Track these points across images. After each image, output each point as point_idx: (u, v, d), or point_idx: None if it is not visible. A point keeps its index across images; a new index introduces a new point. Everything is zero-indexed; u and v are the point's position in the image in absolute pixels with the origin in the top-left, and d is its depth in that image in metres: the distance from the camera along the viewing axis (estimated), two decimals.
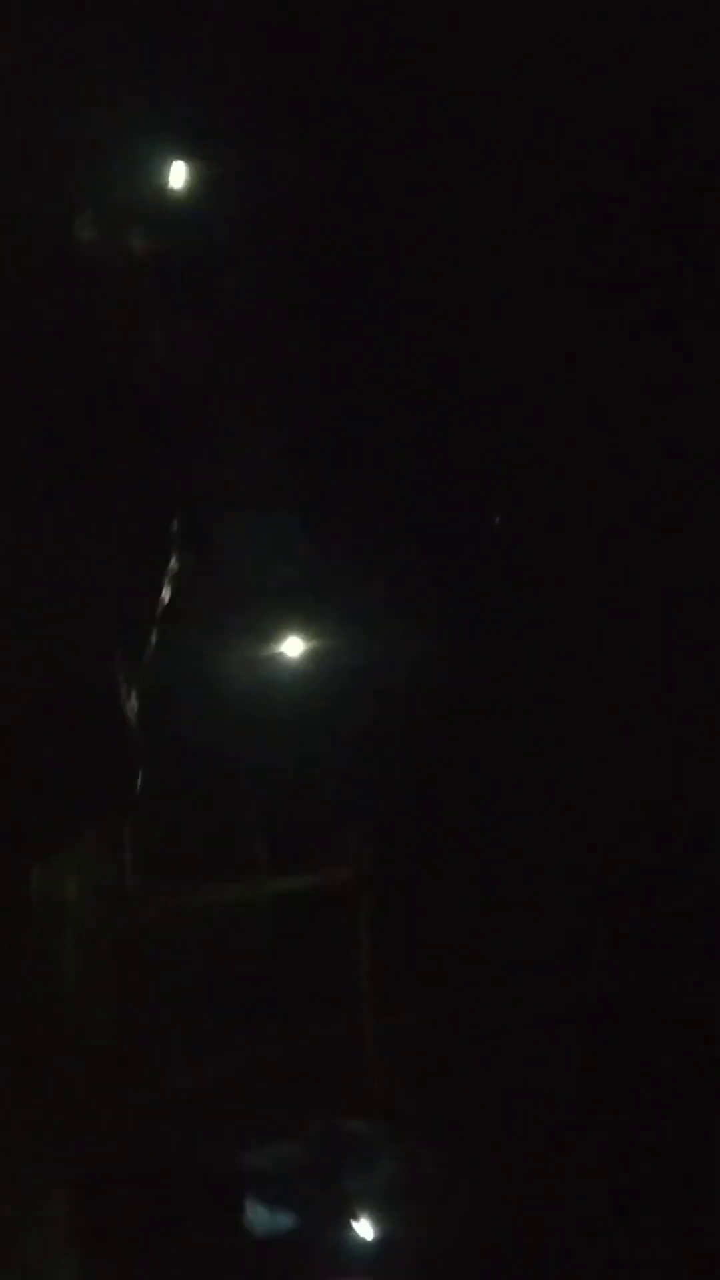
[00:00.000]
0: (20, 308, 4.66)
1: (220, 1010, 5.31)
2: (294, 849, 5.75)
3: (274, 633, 5.50)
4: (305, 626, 5.55)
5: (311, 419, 5.67)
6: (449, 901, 5.68)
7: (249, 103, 5.29)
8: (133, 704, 4.83)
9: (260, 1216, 4.81)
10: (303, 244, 5.53)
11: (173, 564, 4.97)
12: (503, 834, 5.68)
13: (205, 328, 5.14)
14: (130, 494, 4.82)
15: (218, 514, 5.31)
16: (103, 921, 5.06)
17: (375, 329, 5.74)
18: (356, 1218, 4.88)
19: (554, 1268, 4.77)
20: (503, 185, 5.72)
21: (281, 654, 5.50)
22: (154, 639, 4.88)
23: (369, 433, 5.80)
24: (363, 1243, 4.86)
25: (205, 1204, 4.74)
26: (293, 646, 5.51)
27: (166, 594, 4.91)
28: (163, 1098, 4.98)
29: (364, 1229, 4.88)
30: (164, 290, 4.99)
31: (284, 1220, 4.82)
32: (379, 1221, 4.88)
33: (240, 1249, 4.73)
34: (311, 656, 5.48)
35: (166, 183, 5.00)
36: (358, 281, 5.66)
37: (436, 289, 5.76)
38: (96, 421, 4.72)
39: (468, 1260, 4.74)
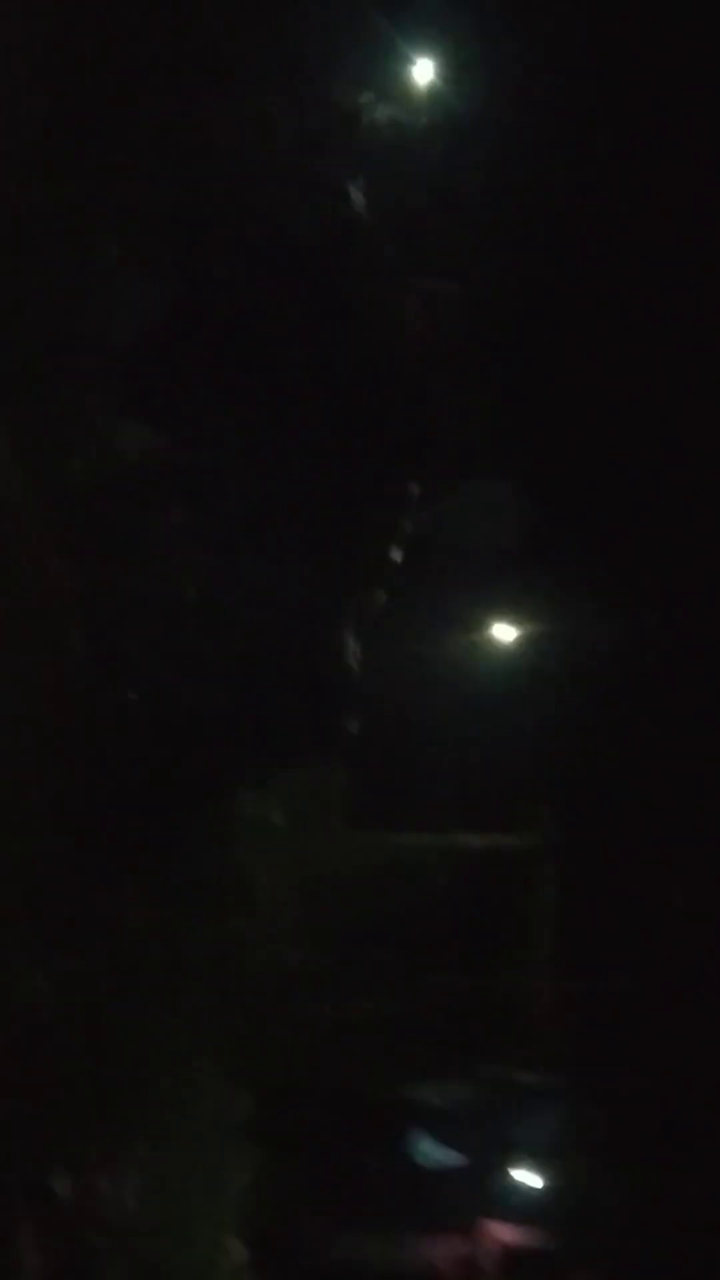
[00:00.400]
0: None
1: (405, 950, 5.50)
2: (487, 811, 5.95)
3: (487, 610, 5.68)
4: (516, 605, 5.74)
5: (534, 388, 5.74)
6: (629, 876, 5.81)
7: None
8: (356, 655, 5.01)
9: (427, 1150, 5.00)
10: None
11: (406, 526, 5.13)
12: (686, 818, 5.80)
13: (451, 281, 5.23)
14: (369, 448, 4.97)
15: (450, 481, 5.46)
16: (305, 853, 5.26)
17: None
18: (519, 1164, 5.05)
19: (705, 1235, 4.91)
20: None
21: (492, 630, 5.70)
22: (382, 598, 5.06)
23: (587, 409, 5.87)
24: (523, 1189, 5.03)
25: (376, 1130, 4.94)
26: (503, 629, 5.72)
27: (397, 555, 5.08)
28: (344, 1025, 5.18)
29: (525, 1176, 5.05)
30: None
31: (449, 1157, 5.00)
32: (539, 1170, 5.04)
33: (404, 1178, 4.92)
34: (521, 636, 5.71)
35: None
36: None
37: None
38: (344, 373, 4.88)
39: (622, 1215, 4.90)
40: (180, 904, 4.89)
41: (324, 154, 4.94)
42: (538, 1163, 5.07)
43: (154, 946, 4.77)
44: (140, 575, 4.85)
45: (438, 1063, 5.29)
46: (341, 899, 5.37)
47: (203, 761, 4.91)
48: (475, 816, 5.91)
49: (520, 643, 5.74)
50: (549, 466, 5.90)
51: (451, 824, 5.89)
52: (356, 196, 4.99)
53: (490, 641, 5.74)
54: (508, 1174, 5.05)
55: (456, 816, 5.90)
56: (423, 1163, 5.01)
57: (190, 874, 4.92)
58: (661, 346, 5.90)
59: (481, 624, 5.69)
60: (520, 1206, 4.98)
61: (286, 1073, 4.95)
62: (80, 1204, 4.56)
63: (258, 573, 4.93)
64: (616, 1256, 4.90)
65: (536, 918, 5.81)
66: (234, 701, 4.90)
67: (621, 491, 5.99)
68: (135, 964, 4.74)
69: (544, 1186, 5.03)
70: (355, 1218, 4.88)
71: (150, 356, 4.81)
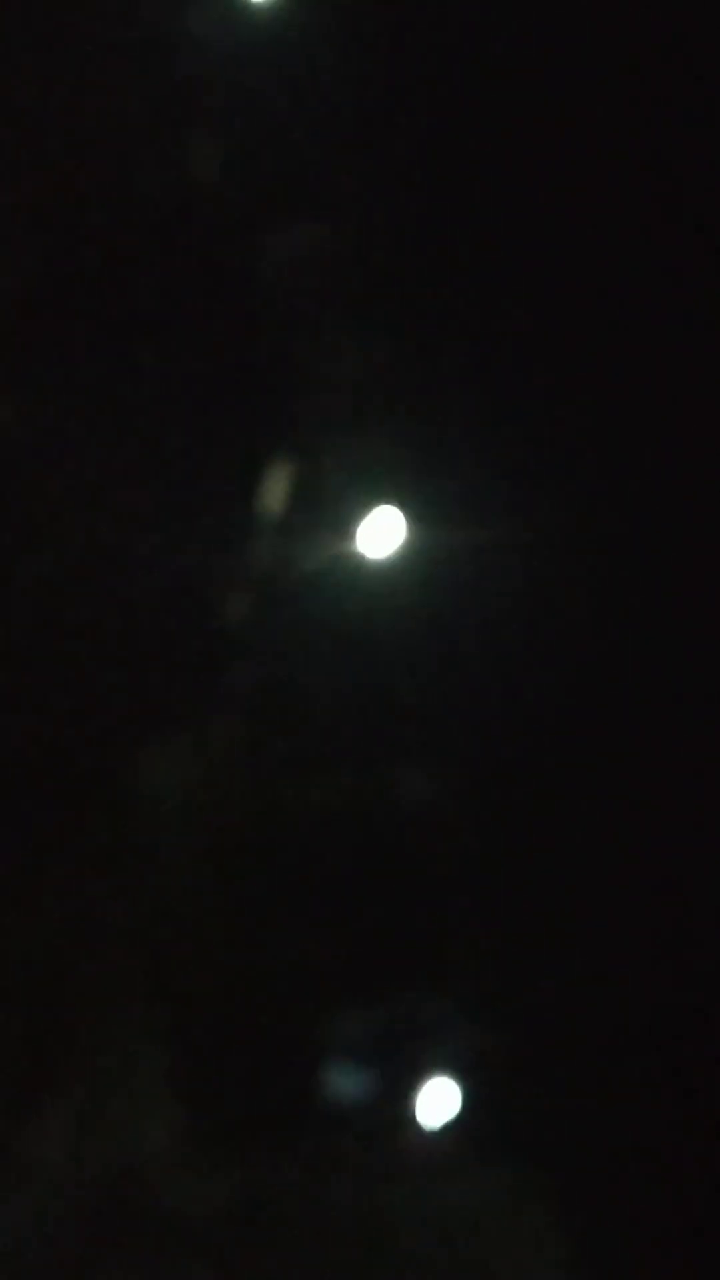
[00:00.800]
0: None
1: (319, 901, 5.57)
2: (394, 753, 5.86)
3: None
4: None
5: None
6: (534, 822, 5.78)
7: None
8: (235, 606, 5.12)
9: (338, 1080, 5.11)
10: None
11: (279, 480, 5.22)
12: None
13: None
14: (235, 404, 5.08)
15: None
16: (204, 815, 5.36)
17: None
18: (428, 1091, 5.16)
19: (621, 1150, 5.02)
20: None
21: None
22: (258, 541, 5.15)
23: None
24: (432, 1115, 5.14)
25: (287, 1064, 5.05)
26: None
27: (269, 496, 5.17)
28: (254, 967, 5.28)
29: (433, 1102, 5.15)
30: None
31: (358, 1085, 5.11)
32: (448, 1096, 5.15)
33: (314, 1108, 5.03)
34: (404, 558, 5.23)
35: None
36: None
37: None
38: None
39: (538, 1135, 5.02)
40: (86, 869, 5.02)
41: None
42: (453, 1084, 5.18)
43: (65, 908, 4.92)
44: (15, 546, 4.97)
45: (352, 996, 5.39)
46: (248, 851, 5.46)
47: (97, 729, 5.03)
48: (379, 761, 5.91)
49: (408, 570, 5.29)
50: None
51: (342, 773, 5.87)
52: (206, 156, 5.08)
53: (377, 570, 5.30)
54: (415, 1100, 5.16)
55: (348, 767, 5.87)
56: (330, 1092, 5.13)
57: (93, 839, 5.05)
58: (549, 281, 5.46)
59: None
60: (428, 1131, 5.10)
61: (198, 1015, 5.07)
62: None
63: (133, 537, 5.05)
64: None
65: (448, 857, 5.86)
66: (121, 668, 5.01)
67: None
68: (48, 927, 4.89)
69: (460, 1108, 5.15)
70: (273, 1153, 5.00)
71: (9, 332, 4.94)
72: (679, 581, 5.20)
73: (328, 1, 5.00)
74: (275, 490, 5.03)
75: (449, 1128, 5.09)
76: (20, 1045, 4.82)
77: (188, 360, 4.99)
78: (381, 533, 5.12)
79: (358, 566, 5.19)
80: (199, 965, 5.15)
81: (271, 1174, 4.90)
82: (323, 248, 4.92)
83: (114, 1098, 4.83)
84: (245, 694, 5.20)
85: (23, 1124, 4.75)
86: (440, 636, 5.18)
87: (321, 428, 5.01)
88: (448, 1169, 5.07)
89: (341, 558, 5.17)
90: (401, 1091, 5.11)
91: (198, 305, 5.03)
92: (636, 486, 5.22)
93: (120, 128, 4.94)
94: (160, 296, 4.99)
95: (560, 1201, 5.04)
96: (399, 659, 5.23)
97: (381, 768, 5.78)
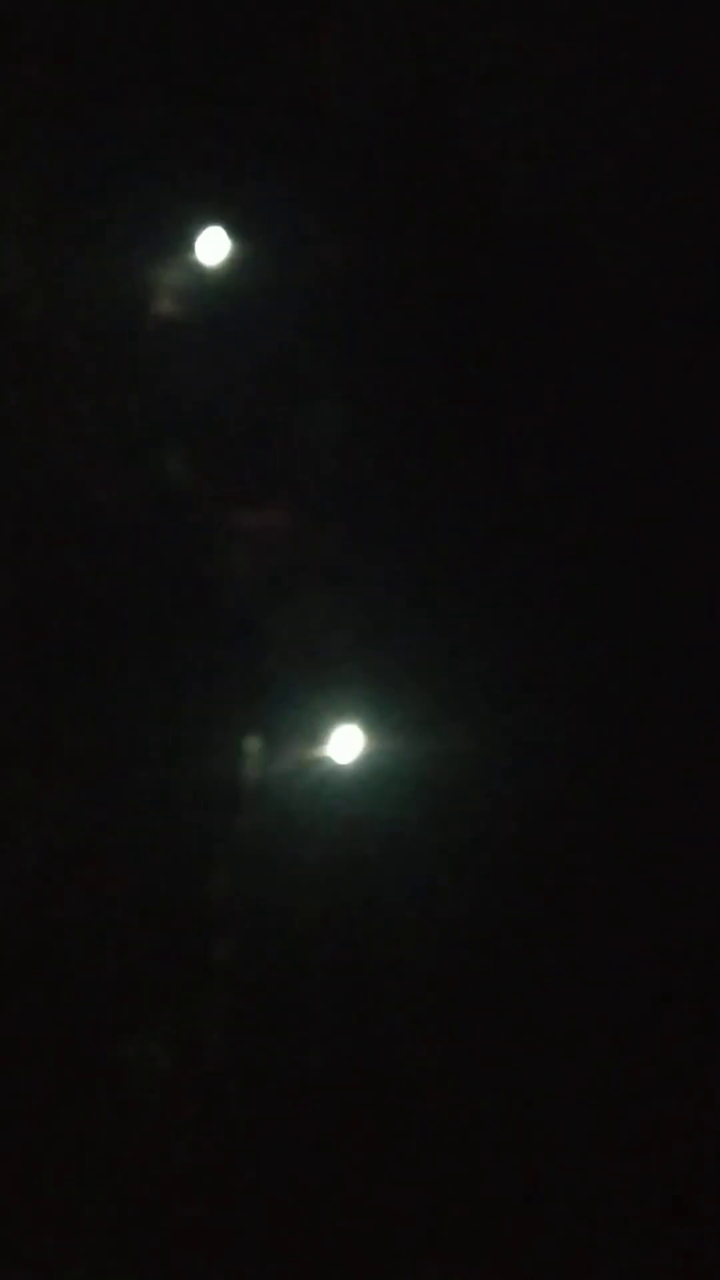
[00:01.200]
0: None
1: None
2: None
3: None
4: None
5: None
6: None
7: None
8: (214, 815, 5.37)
9: None
10: None
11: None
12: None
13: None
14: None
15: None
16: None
17: None
18: None
19: None
20: None
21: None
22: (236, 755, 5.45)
23: None
24: None
25: None
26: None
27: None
28: None
29: None
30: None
31: None
32: None
33: None
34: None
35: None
36: None
37: None
38: None
39: None
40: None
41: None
42: None
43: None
44: None
45: None
46: None
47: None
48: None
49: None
50: None
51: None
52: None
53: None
54: None
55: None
56: None
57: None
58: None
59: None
60: None
61: None
62: None
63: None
64: None
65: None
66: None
67: None
68: None
69: None
70: None
71: None
72: (633, 794, 5.68)
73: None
74: (251, 708, 5.35)
75: None
76: None
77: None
78: (346, 744, 5.40)
79: (326, 774, 5.41)
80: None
81: None
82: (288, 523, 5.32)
83: None
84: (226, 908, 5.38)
85: None
86: (408, 840, 5.40)
87: (294, 654, 5.40)
88: None
89: (311, 766, 5.38)
90: None
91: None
92: (590, 702, 5.71)
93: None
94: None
95: None
96: (374, 861, 5.37)
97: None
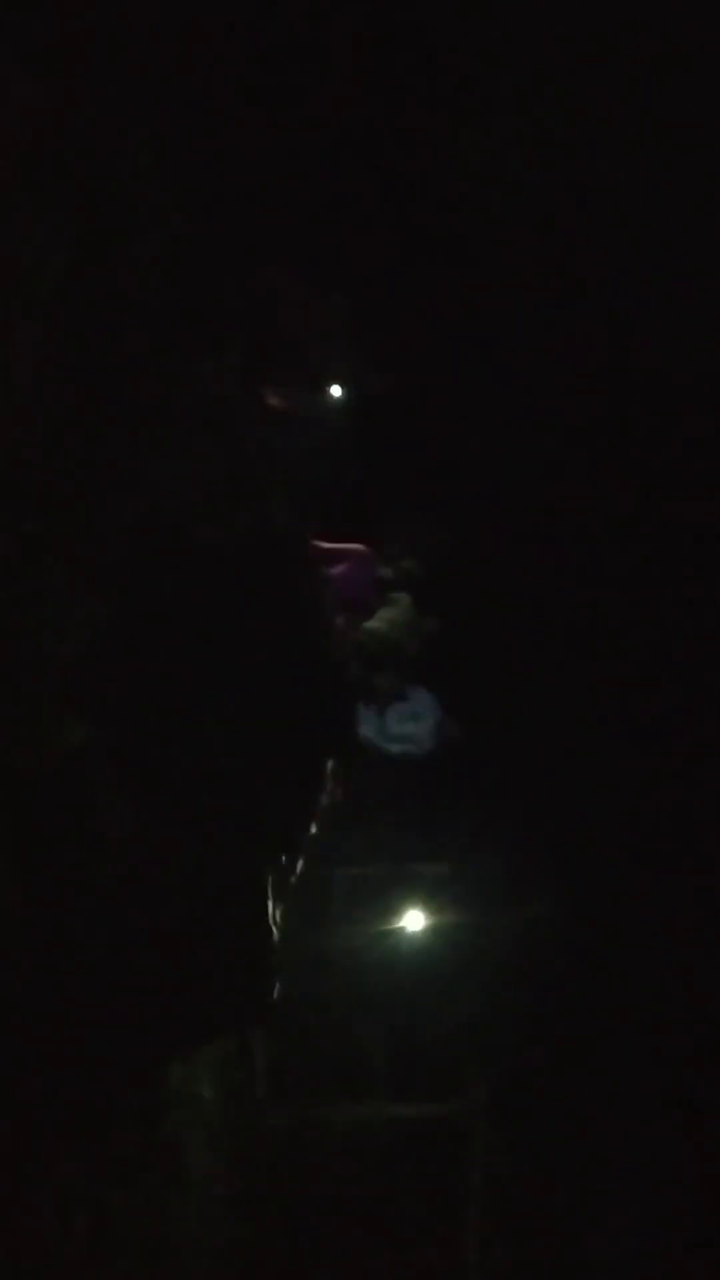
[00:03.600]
0: None
1: (335, 1225, 5.64)
2: (415, 1079, 6.18)
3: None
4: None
5: None
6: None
7: None
8: (277, 920, 5.28)
9: None
10: None
11: (325, 800, 5.46)
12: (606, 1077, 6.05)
13: None
14: (295, 728, 5.33)
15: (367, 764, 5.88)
16: (232, 1124, 5.43)
17: None
18: None
19: None
20: None
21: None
22: (300, 865, 5.35)
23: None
24: None
25: None
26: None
27: (316, 828, 5.40)
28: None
29: None
30: None
31: None
32: None
33: None
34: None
35: None
36: None
37: None
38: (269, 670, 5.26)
39: None
40: (110, 1177, 5.06)
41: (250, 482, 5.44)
42: None
43: (82, 1220, 4.93)
44: (78, 854, 5.15)
45: None
46: (270, 1172, 5.53)
47: (134, 1034, 5.12)
48: (405, 1084, 6.14)
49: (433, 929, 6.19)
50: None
51: (380, 1092, 6.11)
52: (279, 512, 5.49)
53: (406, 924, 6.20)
54: None
55: (385, 1085, 6.12)
56: None
57: (121, 1148, 5.10)
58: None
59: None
60: None
61: None
62: None
63: (187, 850, 5.23)
64: None
65: (468, 1185, 5.95)
66: (164, 975, 5.14)
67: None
68: (64, 1236, 4.89)
69: None
70: None
71: (94, 660, 5.20)
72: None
73: None
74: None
75: None
76: None
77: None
78: (413, 918, 6.15)
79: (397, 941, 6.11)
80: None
81: None
82: None
83: None
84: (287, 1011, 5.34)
85: None
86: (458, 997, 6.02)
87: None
88: None
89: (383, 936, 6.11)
90: None
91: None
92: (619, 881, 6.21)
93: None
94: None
95: None
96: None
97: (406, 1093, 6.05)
